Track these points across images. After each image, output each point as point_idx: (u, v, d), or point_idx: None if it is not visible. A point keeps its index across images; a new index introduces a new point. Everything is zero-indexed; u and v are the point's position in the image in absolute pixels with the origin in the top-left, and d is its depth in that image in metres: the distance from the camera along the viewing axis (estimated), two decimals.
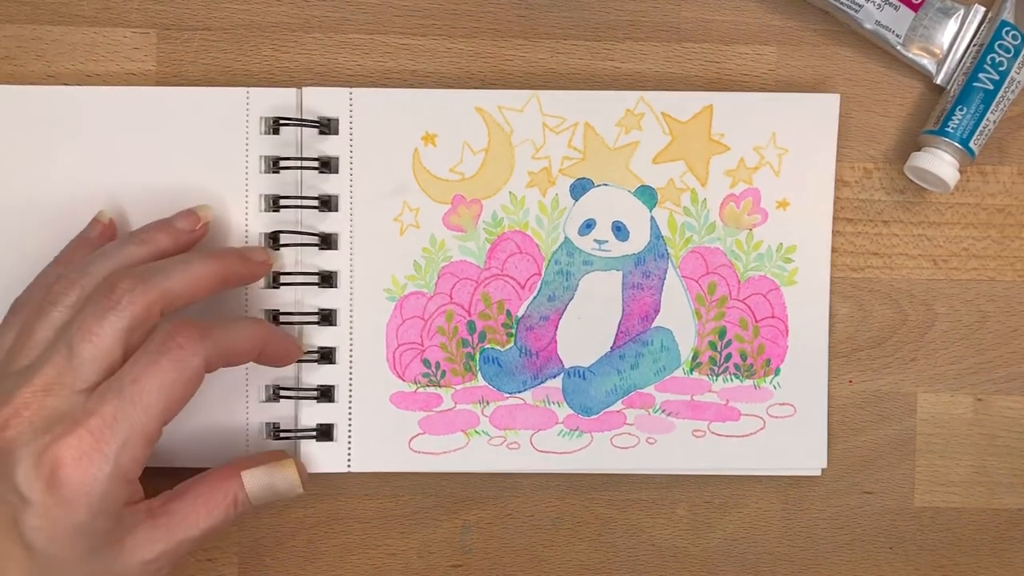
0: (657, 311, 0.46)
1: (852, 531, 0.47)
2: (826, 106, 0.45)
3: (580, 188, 0.45)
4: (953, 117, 0.44)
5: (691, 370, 0.46)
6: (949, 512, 0.47)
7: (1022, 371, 0.47)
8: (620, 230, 0.45)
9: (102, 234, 0.43)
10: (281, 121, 0.44)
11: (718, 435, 0.45)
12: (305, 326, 0.45)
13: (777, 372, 0.46)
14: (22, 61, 0.46)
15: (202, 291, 0.39)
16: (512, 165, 0.45)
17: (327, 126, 0.45)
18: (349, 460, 0.45)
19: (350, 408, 0.45)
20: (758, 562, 0.47)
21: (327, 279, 0.45)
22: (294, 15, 0.46)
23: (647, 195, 0.45)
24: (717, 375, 0.46)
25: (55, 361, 0.36)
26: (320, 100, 0.45)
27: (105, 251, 0.40)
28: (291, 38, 0.46)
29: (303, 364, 0.45)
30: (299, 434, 0.45)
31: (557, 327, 0.46)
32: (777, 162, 0.45)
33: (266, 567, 0.47)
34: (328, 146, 0.45)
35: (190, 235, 0.42)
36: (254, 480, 0.41)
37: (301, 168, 0.45)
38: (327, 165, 0.45)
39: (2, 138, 0.45)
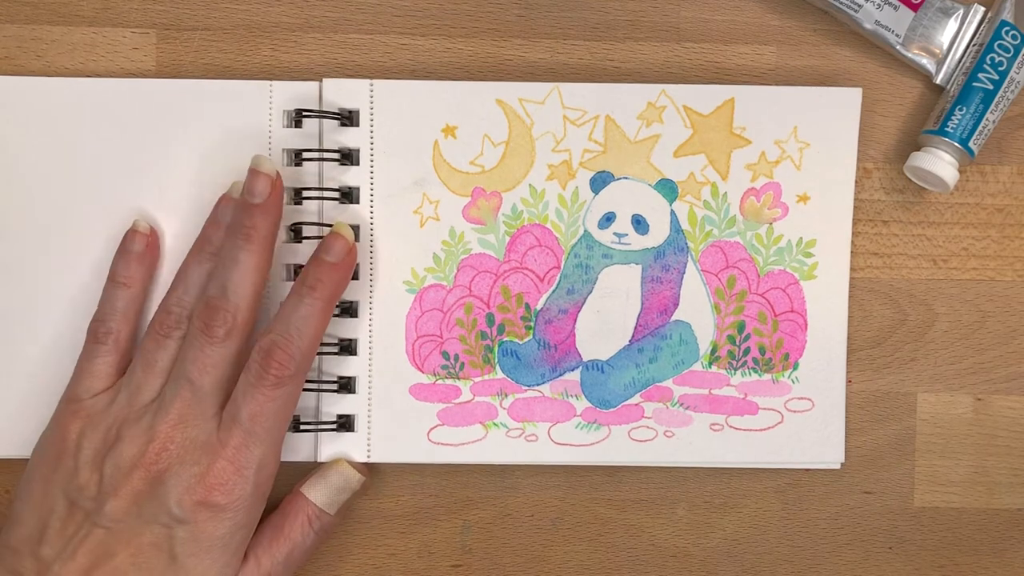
0: (676, 305, 0.46)
1: (852, 531, 0.47)
2: (848, 100, 0.45)
3: (600, 181, 0.45)
4: (953, 117, 0.44)
5: (709, 364, 0.46)
6: (949, 512, 0.47)
7: (1022, 371, 0.47)
8: (640, 223, 0.45)
9: (149, 245, 0.44)
10: (304, 113, 0.44)
11: (736, 429, 0.45)
12: None
13: (796, 366, 0.46)
14: (22, 61, 0.46)
15: (261, 285, 0.42)
16: (532, 158, 0.45)
17: (348, 118, 0.45)
18: (369, 451, 0.45)
19: (369, 399, 0.45)
20: (758, 562, 0.47)
21: None
22: (294, 15, 0.46)
23: (667, 188, 0.45)
24: (735, 369, 0.46)
25: (182, 395, 0.41)
26: (341, 92, 0.45)
27: (190, 279, 0.43)
28: (291, 38, 0.46)
29: (324, 356, 0.45)
30: (320, 426, 0.45)
31: (576, 320, 0.46)
32: (798, 156, 0.45)
33: None
34: (349, 138, 0.45)
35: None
36: (313, 489, 0.44)
37: (322, 160, 0.45)
38: (348, 157, 0.45)
39: (24, 130, 0.45)
